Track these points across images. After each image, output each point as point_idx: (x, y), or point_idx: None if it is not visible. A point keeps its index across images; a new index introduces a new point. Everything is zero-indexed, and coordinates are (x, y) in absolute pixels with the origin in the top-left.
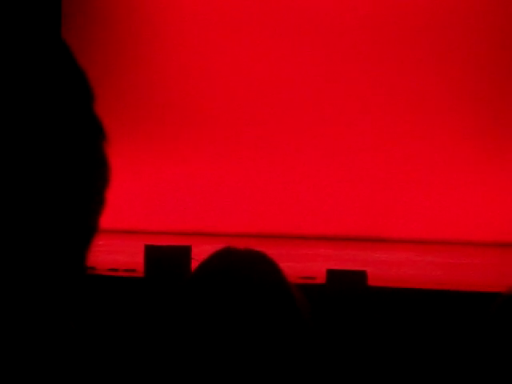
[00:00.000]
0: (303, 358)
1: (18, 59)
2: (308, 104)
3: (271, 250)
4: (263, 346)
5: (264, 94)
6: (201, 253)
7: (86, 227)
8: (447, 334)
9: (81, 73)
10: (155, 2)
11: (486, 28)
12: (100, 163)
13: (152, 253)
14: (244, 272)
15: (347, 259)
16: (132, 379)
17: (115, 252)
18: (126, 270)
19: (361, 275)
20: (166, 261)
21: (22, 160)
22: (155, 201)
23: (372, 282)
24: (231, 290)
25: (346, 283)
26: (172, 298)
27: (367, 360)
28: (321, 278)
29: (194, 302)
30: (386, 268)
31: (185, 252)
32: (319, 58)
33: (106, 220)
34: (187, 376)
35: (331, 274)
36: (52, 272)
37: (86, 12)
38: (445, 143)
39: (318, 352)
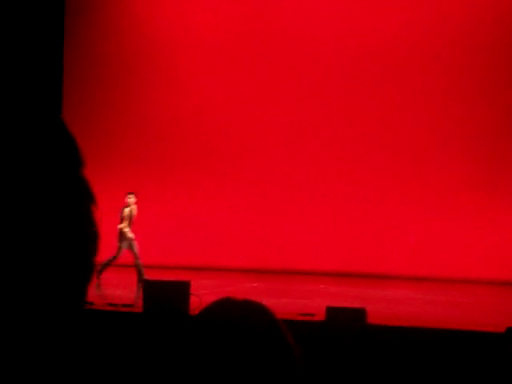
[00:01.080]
0: None
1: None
2: (305, 141)
3: (272, 286)
4: None
5: (261, 132)
6: (200, 287)
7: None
8: (447, 372)
9: (72, 142)
10: (149, 35)
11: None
12: (88, 225)
13: (150, 288)
14: (242, 324)
15: (347, 296)
16: None
17: (114, 286)
18: (125, 305)
19: (360, 313)
20: (164, 296)
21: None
22: (154, 235)
23: (371, 319)
24: (228, 341)
25: (346, 320)
26: (170, 342)
27: None
28: (320, 315)
29: (191, 351)
30: (386, 306)
31: (183, 287)
32: (314, 93)
33: (103, 255)
34: None
35: (331, 311)
36: (52, 309)
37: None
38: (444, 185)
39: None
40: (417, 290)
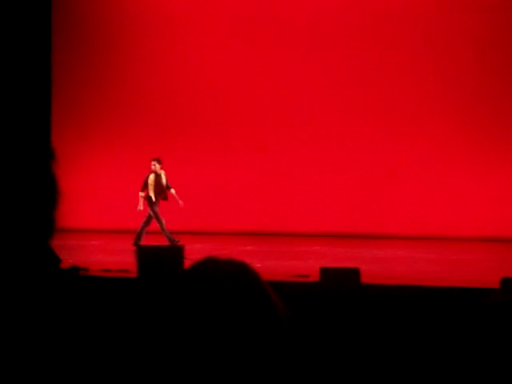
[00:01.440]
0: (280, 363)
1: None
2: (298, 103)
3: (266, 248)
4: (242, 353)
5: (256, 96)
6: (194, 251)
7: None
8: (442, 329)
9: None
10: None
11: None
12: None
13: (145, 253)
14: (225, 282)
15: (341, 257)
16: (125, 377)
17: (109, 252)
18: (119, 271)
19: (354, 273)
20: (158, 261)
21: None
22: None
23: (365, 279)
24: (211, 299)
25: (340, 281)
26: (158, 306)
27: (361, 357)
28: (314, 276)
29: (178, 310)
30: (380, 265)
31: (177, 252)
32: (316, 59)
33: (100, 220)
34: (174, 374)
35: (325, 271)
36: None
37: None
38: (437, 142)
39: (295, 358)
40: (411, 249)
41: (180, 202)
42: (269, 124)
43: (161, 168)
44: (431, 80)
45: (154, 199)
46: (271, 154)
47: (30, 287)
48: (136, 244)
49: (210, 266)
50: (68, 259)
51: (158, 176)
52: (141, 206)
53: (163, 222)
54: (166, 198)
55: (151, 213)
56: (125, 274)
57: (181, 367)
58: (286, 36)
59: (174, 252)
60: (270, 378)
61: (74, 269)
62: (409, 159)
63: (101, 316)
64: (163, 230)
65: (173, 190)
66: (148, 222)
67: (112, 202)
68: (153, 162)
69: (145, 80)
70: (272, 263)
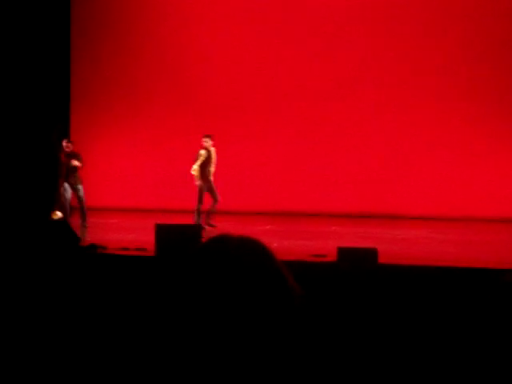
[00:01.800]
0: (292, 339)
1: None
2: (311, 81)
3: (284, 228)
4: (255, 328)
5: (268, 75)
6: (213, 230)
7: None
8: (460, 310)
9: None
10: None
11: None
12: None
13: (163, 232)
14: (237, 258)
15: (359, 237)
16: (140, 355)
17: (127, 231)
18: (137, 249)
19: (372, 253)
20: (176, 239)
21: None
22: (166, 180)
23: (383, 259)
24: (224, 276)
25: (357, 261)
26: (172, 284)
27: (377, 339)
28: (332, 256)
29: (190, 288)
30: (398, 245)
31: (195, 230)
32: (321, 47)
33: (118, 199)
34: (186, 356)
35: (342, 251)
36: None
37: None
38: (456, 122)
39: (307, 333)
40: (429, 230)
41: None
42: (288, 105)
43: (212, 145)
44: (449, 59)
45: (200, 175)
46: (291, 134)
47: (50, 265)
48: (208, 224)
49: (222, 242)
50: (86, 237)
51: (209, 152)
52: (197, 181)
53: (202, 203)
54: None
55: (198, 188)
56: (142, 252)
57: (195, 346)
58: (292, 26)
59: (192, 231)
60: (282, 357)
61: (93, 247)
62: (430, 139)
63: (118, 294)
64: (197, 209)
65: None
66: (213, 197)
67: (130, 180)
68: (204, 139)
69: (163, 60)
70: (290, 243)
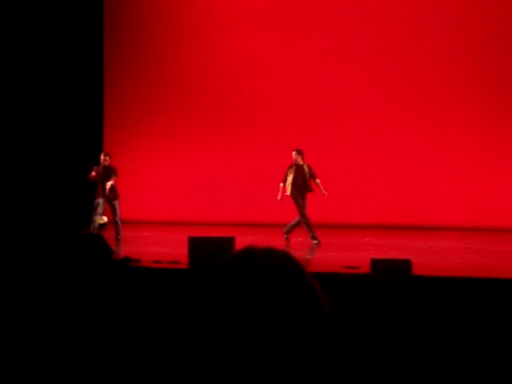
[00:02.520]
0: (321, 349)
1: None
2: (360, 94)
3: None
4: (284, 339)
5: (290, 85)
6: (245, 243)
7: None
8: (494, 322)
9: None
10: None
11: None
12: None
13: (196, 244)
14: (264, 271)
15: (392, 248)
16: (174, 367)
17: (160, 244)
18: (171, 262)
19: (405, 264)
20: (209, 252)
21: None
22: (199, 193)
23: (417, 270)
24: (252, 288)
25: (391, 272)
26: (202, 298)
27: (412, 349)
28: (365, 268)
29: (220, 302)
30: (431, 256)
31: (228, 243)
32: (332, 50)
33: (151, 212)
34: (220, 363)
35: (376, 263)
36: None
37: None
38: (488, 135)
39: (336, 347)
40: (462, 241)
41: (324, 191)
42: (323, 117)
43: (302, 159)
44: (477, 64)
45: (289, 192)
46: (323, 146)
47: (84, 278)
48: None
49: (249, 255)
50: (120, 250)
51: (298, 167)
52: (280, 196)
53: (302, 217)
54: (310, 189)
55: (295, 204)
56: (176, 265)
57: (226, 357)
58: (307, 24)
59: (225, 243)
60: (311, 369)
61: (126, 260)
62: (462, 150)
63: (152, 307)
64: (297, 223)
65: (318, 180)
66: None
67: (163, 193)
68: (293, 153)
69: (197, 70)
70: (323, 255)
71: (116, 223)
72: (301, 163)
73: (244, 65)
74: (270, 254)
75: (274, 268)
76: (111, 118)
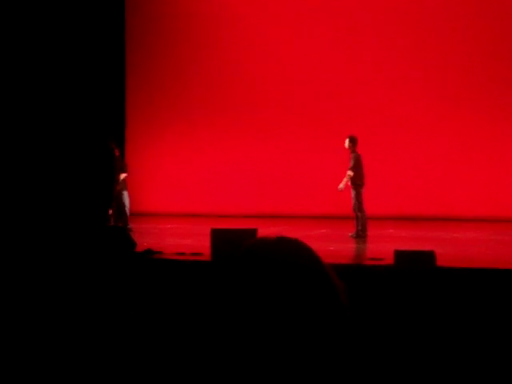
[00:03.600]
0: (339, 341)
1: None
2: (372, 85)
3: (340, 231)
4: (301, 329)
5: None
6: (267, 234)
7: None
8: None
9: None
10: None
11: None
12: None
13: (218, 236)
14: (280, 260)
15: (416, 239)
16: (196, 359)
17: (183, 236)
18: (193, 254)
19: (429, 255)
20: (232, 244)
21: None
22: (222, 185)
23: (441, 262)
24: (268, 279)
25: (415, 264)
26: (218, 292)
27: (436, 339)
28: (389, 259)
29: (231, 295)
30: (456, 248)
31: (251, 235)
32: (373, 36)
33: (174, 205)
34: (232, 353)
35: (399, 254)
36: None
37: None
38: (509, 125)
39: (354, 335)
40: (486, 231)
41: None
42: (344, 111)
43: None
44: (499, 61)
45: (357, 180)
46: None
47: (107, 270)
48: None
49: (260, 247)
50: (143, 242)
51: (359, 156)
52: (342, 185)
53: (361, 204)
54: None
55: (353, 193)
56: (198, 257)
57: (244, 351)
58: (315, 19)
59: (248, 235)
60: (330, 360)
61: (149, 252)
62: (485, 141)
63: (174, 298)
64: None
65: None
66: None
67: (186, 186)
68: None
69: (218, 64)
70: (346, 246)
71: (124, 212)
72: (353, 154)
73: (262, 60)
74: (282, 243)
75: (286, 257)
76: (133, 113)
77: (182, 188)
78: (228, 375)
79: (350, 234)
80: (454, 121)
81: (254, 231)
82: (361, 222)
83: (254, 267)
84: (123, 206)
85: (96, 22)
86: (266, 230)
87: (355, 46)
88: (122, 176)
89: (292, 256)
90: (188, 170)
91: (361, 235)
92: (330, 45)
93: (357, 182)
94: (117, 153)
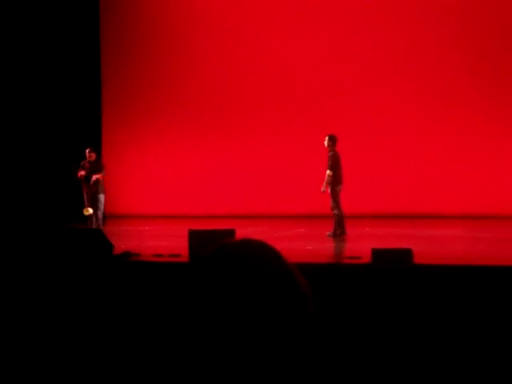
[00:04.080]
0: (303, 339)
1: None
2: (365, 83)
3: (317, 231)
4: (266, 328)
5: (321, 72)
6: (246, 235)
7: None
8: (496, 310)
9: None
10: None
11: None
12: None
13: (196, 237)
14: (243, 263)
15: (393, 237)
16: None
17: (160, 237)
18: (171, 256)
19: (407, 253)
20: (209, 245)
21: None
22: (198, 186)
23: (418, 259)
24: (231, 282)
25: (392, 262)
26: (180, 296)
27: (414, 339)
28: (366, 258)
29: (200, 299)
30: (433, 245)
31: (228, 236)
32: (378, 33)
33: (151, 206)
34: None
35: (377, 253)
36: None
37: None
38: (487, 124)
39: (319, 334)
40: (464, 229)
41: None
42: (328, 108)
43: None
44: (493, 58)
45: (334, 179)
46: (323, 137)
47: (84, 273)
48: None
49: (225, 250)
50: (120, 245)
51: (338, 155)
52: (324, 188)
53: (338, 203)
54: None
55: (330, 192)
56: (176, 258)
57: (213, 352)
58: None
59: (225, 236)
60: (296, 357)
61: (127, 254)
62: (462, 139)
63: (153, 300)
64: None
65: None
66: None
67: (162, 187)
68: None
69: (195, 63)
70: (324, 245)
71: (97, 216)
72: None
73: (244, 59)
74: (246, 245)
75: (251, 259)
76: (110, 113)
77: (159, 189)
78: (206, 373)
79: (327, 233)
80: (431, 119)
81: (231, 232)
82: (337, 221)
83: (220, 270)
84: (97, 209)
85: (70, 18)
86: (244, 231)
87: (349, 44)
88: (95, 177)
89: (256, 257)
90: (165, 172)
91: (338, 234)
92: (323, 44)
93: (334, 181)
94: (93, 157)
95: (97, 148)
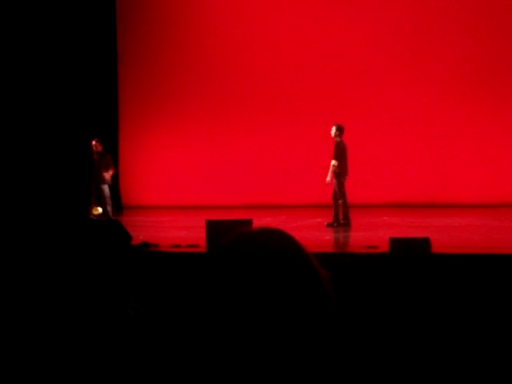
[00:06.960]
0: (323, 329)
1: None
2: (371, 74)
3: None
4: (286, 318)
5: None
6: (263, 225)
7: None
8: None
9: None
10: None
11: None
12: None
13: (213, 228)
14: (260, 251)
15: (411, 226)
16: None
17: (178, 228)
18: (189, 246)
19: (424, 242)
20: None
21: None
22: (216, 176)
23: (436, 248)
24: (252, 272)
25: (410, 251)
26: (197, 283)
27: (432, 327)
28: (384, 247)
29: (217, 287)
30: (451, 234)
31: (246, 225)
32: (383, 24)
33: (169, 197)
34: (222, 349)
35: (394, 242)
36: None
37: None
38: (507, 109)
39: (338, 322)
40: (480, 217)
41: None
42: (334, 99)
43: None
44: (488, 51)
45: (339, 169)
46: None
47: (102, 263)
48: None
49: (242, 238)
50: (138, 235)
51: (344, 145)
52: (329, 178)
53: (343, 193)
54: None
55: (335, 182)
56: (194, 249)
57: (232, 342)
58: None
59: (242, 226)
60: (316, 347)
61: (145, 245)
62: (480, 126)
63: (171, 291)
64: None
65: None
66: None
67: (180, 178)
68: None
69: (212, 55)
70: (341, 235)
71: (105, 210)
72: (337, 139)
73: (251, 52)
74: (263, 233)
75: (268, 247)
76: (127, 107)
77: (176, 180)
78: (222, 365)
79: (326, 223)
80: (447, 107)
81: (248, 222)
82: (339, 211)
83: (237, 259)
84: (103, 203)
85: (87, 17)
86: (261, 221)
87: (347, 35)
88: (108, 176)
89: (274, 246)
90: (182, 163)
91: (342, 223)
92: (319, 35)
93: (339, 171)
94: (100, 148)
95: (114, 139)
